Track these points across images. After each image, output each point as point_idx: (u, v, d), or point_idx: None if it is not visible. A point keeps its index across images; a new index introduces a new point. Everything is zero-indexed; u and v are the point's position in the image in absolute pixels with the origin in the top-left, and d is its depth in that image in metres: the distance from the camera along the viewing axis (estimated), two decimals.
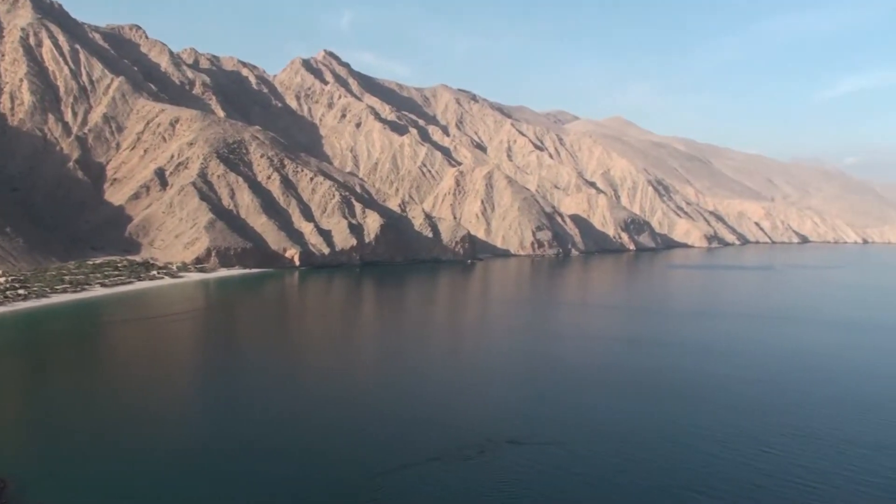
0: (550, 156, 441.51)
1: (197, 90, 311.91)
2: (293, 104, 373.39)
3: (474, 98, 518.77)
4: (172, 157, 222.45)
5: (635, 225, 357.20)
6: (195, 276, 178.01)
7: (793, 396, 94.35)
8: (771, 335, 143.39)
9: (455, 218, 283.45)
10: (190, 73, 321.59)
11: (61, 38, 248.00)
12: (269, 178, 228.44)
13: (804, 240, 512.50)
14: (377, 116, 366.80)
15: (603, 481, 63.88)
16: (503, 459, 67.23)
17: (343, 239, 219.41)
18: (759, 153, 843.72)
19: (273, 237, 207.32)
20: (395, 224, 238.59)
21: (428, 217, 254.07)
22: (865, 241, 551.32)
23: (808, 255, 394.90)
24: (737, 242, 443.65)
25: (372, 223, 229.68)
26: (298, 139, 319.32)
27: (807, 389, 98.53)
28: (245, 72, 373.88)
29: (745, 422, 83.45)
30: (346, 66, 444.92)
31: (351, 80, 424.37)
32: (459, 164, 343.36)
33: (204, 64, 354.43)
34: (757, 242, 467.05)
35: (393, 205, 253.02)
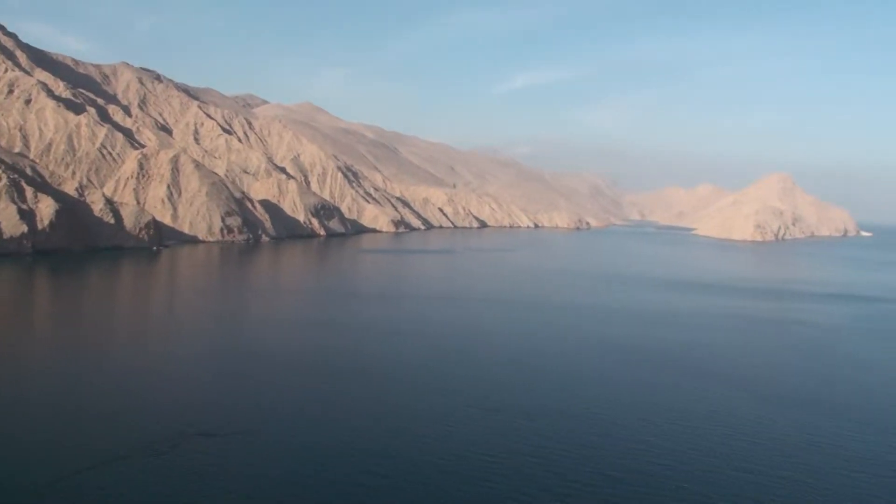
0: (239, 140, 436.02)
1: None
2: None
3: (159, 78, 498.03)
4: None
5: (325, 210, 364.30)
6: None
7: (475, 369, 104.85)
8: (446, 313, 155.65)
9: (139, 203, 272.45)
10: None
11: None
12: None
13: (483, 224, 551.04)
14: (50, 93, 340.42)
15: (296, 468, 66.81)
16: (198, 452, 68.00)
17: (12, 226, 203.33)
18: (442, 142, 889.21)
19: None
20: (71, 209, 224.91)
21: (109, 202, 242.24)
22: (536, 226, 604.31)
23: (486, 239, 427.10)
24: (422, 227, 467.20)
25: (45, 209, 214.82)
26: None
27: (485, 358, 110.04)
28: None
29: (437, 398, 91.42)
30: (13, 36, 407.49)
31: (19, 53, 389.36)
32: (143, 146, 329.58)
33: None
34: (441, 227, 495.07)
35: (69, 189, 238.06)
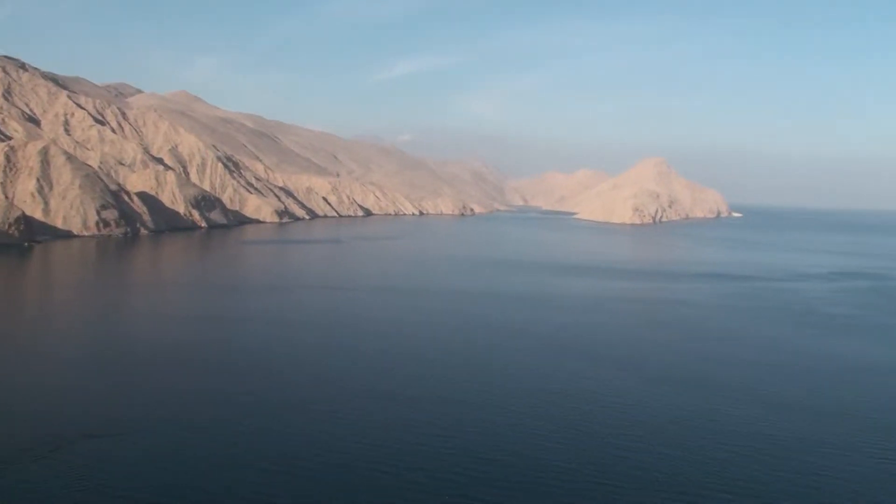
0: (113, 130, 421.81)
1: None
2: None
3: (23, 66, 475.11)
4: None
5: (206, 202, 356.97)
6: None
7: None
8: (329, 302, 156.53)
9: (7, 198, 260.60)
10: None
11: None
12: None
13: (368, 213, 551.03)
14: None
15: (181, 470, 66.38)
16: (80, 455, 66.43)
17: None
18: (324, 130, 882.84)
19: None
20: None
21: None
22: (421, 213, 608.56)
23: (372, 228, 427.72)
24: (307, 217, 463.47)
25: None
26: None
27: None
28: None
29: (323, 389, 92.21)
30: None
31: None
32: (10, 138, 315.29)
33: None
34: (325, 216, 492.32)
35: None
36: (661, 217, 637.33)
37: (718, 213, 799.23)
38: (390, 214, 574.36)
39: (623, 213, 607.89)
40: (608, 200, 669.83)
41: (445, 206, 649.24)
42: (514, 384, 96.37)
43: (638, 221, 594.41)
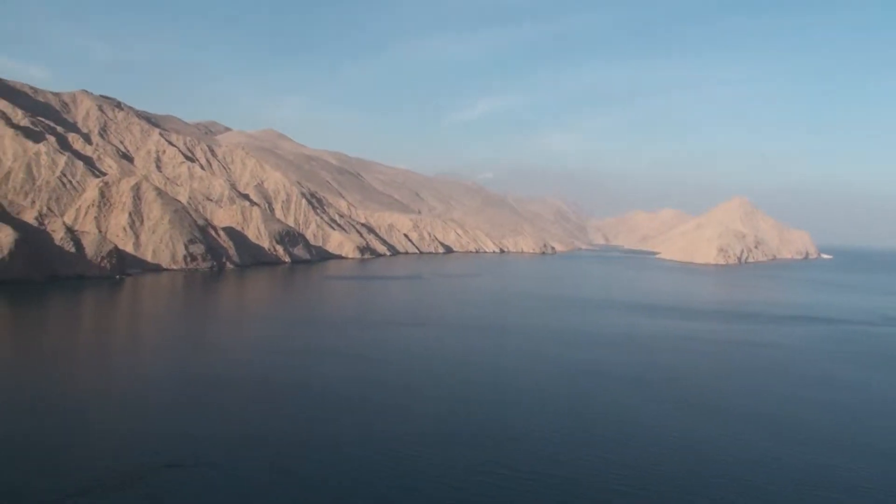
0: (202, 167, 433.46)
1: None
2: None
3: (119, 105, 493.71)
4: None
5: (290, 237, 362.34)
6: None
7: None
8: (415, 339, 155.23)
9: (100, 232, 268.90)
10: None
11: None
12: None
13: (449, 250, 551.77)
14: (8, 121, 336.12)
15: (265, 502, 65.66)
16: (164, 484, 66.54)
17: None
18: (406, 168, 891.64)
19: None
20: (31, 239, 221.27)
21: (70, 231, 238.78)
22: (502, 251, 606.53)
23: (452, 265, 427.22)
24: (388, 253, 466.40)
25: (4, 238, 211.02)
26: None
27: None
28: None
29: (402, 424, 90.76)
30: None
31: None
32: (104, 174, 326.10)
33: None
34: (406, 253, 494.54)
35: (29, 218, 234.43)
36: (747, 258, 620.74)
37: (807, 255, 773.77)
38: (471, 252, 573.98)
39: (707, 253, 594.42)
40: (692, 240, 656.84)
41: (526, 244, 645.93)
42: (599, 427, 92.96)
43: (722, 262, 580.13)
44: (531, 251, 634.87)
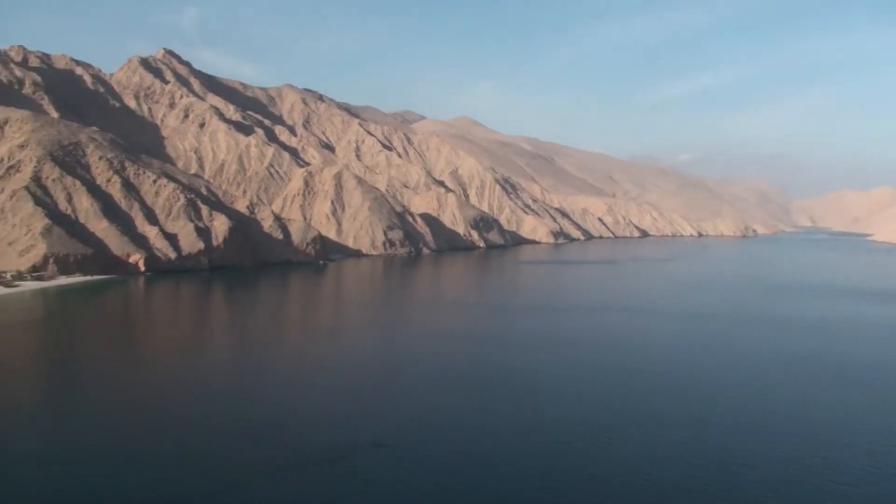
0: (399, 155, 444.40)
1: (27, 90, 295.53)
2: (132, 104, 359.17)
3: (321, 98, 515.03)
4: (2, 160, 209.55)
5: (484, 223, 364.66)
6: (32, 285, 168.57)
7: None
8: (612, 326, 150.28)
9: (305, 219, 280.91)
10: (18, 72, 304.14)
11: None
12: (108, 181, 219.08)
13: (644, 234, 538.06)
14: (221, 116, 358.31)
15: (460, 480, 64.45)
16: (367, 463, 67.03)
17: (190, 243, 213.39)
18: (600, 151, 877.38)
19: (115, 242, 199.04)
20: (243, 226, 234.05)
21: (277, 219, 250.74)
22: (700, 234, 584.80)
23: (648, 249, 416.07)
24: (582, 238, 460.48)
25: (219, 226, 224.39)
26: (139, 140, 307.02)
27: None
28: (79, 70, 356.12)
29: (595, 411, 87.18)
30: (187, 64, 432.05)
31: (192, 80, 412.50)
32: (308, 164, 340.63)
33: (33, 62, 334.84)
34: (600, 237, 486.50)
35: (241, 207, 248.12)
36: None
37: None
38: (667, 235, 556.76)
39: None
40: None
41: (726, 227, 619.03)
42: (825, 419, 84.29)
43: None
44: (731, 234, 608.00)
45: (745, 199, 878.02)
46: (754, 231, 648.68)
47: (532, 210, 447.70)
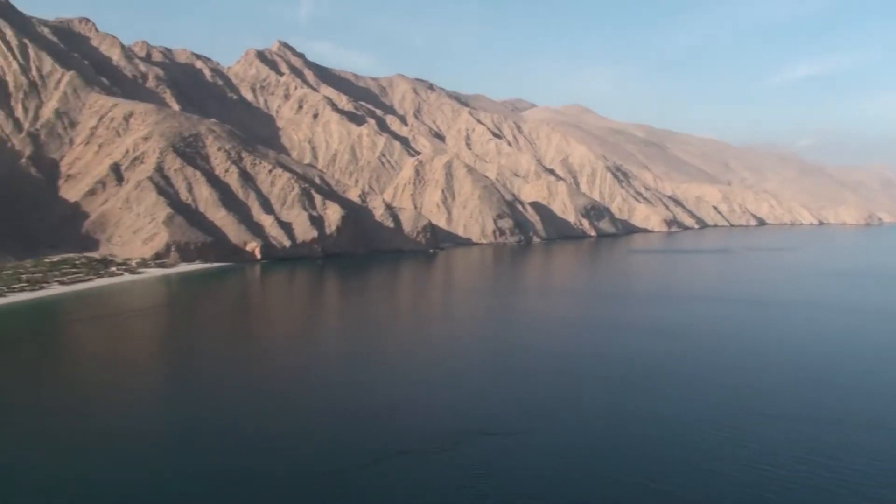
0: (509, 143, 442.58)
1: (150, 83, 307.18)
2: (248, 96, 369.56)
3: (431, 87, 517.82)
4: (128, 151, 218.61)
5: (595, 211, 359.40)
6: (156, 272, 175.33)
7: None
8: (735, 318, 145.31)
9: (416, 208, 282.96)
10: (142, 67, 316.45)
11: (8, 33, 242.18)
12: (226, 171, 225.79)
13: (761, 222, 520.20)
14: (334, 107, 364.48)
15: (571, 469, 63.32)
16: (478, 450, 66.71)
17: (304, 231, 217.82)
18: (714, 137, 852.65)
19: (233, 231, 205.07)
20: (355, 215, 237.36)
21: (388, 207, 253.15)
22: (821, 223, 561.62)
23: (765, 238, 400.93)
24: (696, 226, 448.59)
25: (332, 215, 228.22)
26: (255, 131, 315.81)
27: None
28: (199, 64, 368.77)
29: (709, 405, 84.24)
30: (301, 56, 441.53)
31: (306, 71, 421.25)
32: (418, 153, 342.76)
33: (156, 57, 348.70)
34: (715, 226, 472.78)
35: (353, 196, 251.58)
36: None
37: None
38: (785, 224, 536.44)
39: None
40: None
41: (848, 215, 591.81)
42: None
43: None
44: (854, 222, 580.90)
45: (870, 187, 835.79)
46: (879, 219, 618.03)
47: (644, 198, 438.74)
